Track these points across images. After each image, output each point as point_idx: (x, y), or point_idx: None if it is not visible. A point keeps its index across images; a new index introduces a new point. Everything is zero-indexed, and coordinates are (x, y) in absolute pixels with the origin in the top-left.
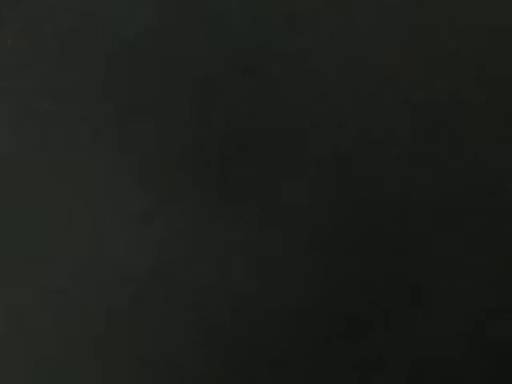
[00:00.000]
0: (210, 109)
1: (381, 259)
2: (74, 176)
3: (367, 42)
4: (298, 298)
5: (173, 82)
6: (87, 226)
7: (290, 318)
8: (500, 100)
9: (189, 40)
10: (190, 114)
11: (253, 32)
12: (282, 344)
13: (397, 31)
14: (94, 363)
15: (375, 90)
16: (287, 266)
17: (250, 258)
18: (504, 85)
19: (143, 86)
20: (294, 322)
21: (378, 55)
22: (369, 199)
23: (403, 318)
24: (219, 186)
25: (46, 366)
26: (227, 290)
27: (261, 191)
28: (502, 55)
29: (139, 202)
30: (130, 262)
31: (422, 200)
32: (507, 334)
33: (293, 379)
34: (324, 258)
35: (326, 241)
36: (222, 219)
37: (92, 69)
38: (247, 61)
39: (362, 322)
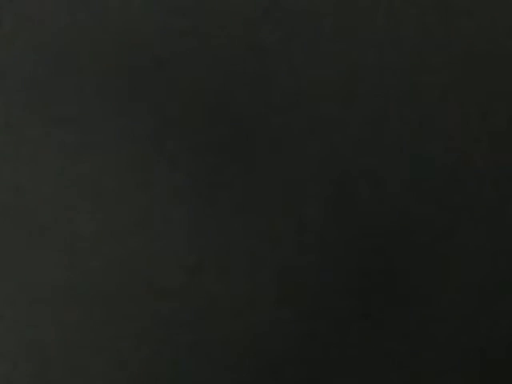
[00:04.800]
0: (214, 111)
1: (380, 255)
2: (73, 176)
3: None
4: (301, 302)
5: (175, 82)
6: (86, 224)
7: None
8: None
9: (189, 42)
10: (191, 116)
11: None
12: (288, 339)
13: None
14: (92, 362)
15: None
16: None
17: (251, 257)
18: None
19: (143, 87)
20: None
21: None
22: (369, 207)
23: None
24: (221, 185)
25: (45, 365)
26: (228, 290)
27: (265, 198)
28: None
29: (139, 202)
30: (129, 259)
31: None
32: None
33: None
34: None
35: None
36: (223, 219)
37: (90, 69)
38: (251, 63)
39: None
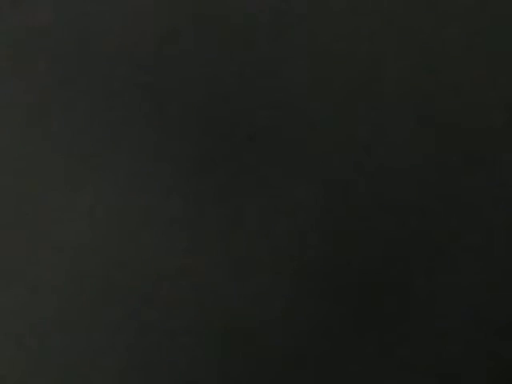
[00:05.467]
0: (214, 112)
1: (378, 251)
2: (72, 175)
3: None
4: (300, 301)
5: (175, 83)
6: (87, 223)
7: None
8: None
9: (189, 42)
10: (193, 117)
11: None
12: (290, 339)
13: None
14: (91, 361)
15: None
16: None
17: (251, 255)
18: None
19: (144, 88)
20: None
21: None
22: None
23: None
24: (221, 184)
25: (45, 365)
26: (228, 287)
27: (263, 192)
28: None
29: (139, 201)
30: (129, 259)
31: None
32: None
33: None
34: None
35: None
36: (223, 217)
37: (93, 73)
38: (251, 63)
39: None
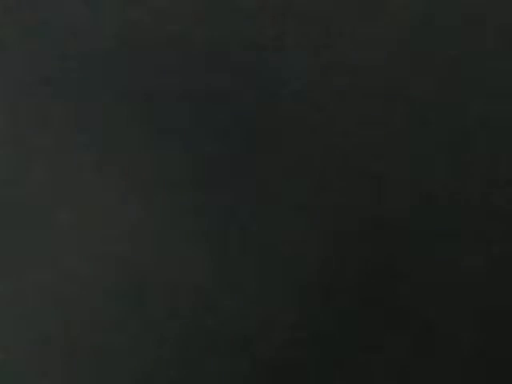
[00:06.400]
0: (210, 115)
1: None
2: (75, 177)
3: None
4: (297, 308)
5: (173, 86)
6: (87, 225)
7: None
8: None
9: (188, 40)
10: (190, 118)
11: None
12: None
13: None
14: (93, 364)
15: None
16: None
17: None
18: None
19: (144, 90)
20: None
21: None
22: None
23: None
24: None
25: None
26: (224, 291)
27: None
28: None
29: (139, 201)
30: (130, 260)
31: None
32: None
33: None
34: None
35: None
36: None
37: (91, 70)
38: (253, 61)
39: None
